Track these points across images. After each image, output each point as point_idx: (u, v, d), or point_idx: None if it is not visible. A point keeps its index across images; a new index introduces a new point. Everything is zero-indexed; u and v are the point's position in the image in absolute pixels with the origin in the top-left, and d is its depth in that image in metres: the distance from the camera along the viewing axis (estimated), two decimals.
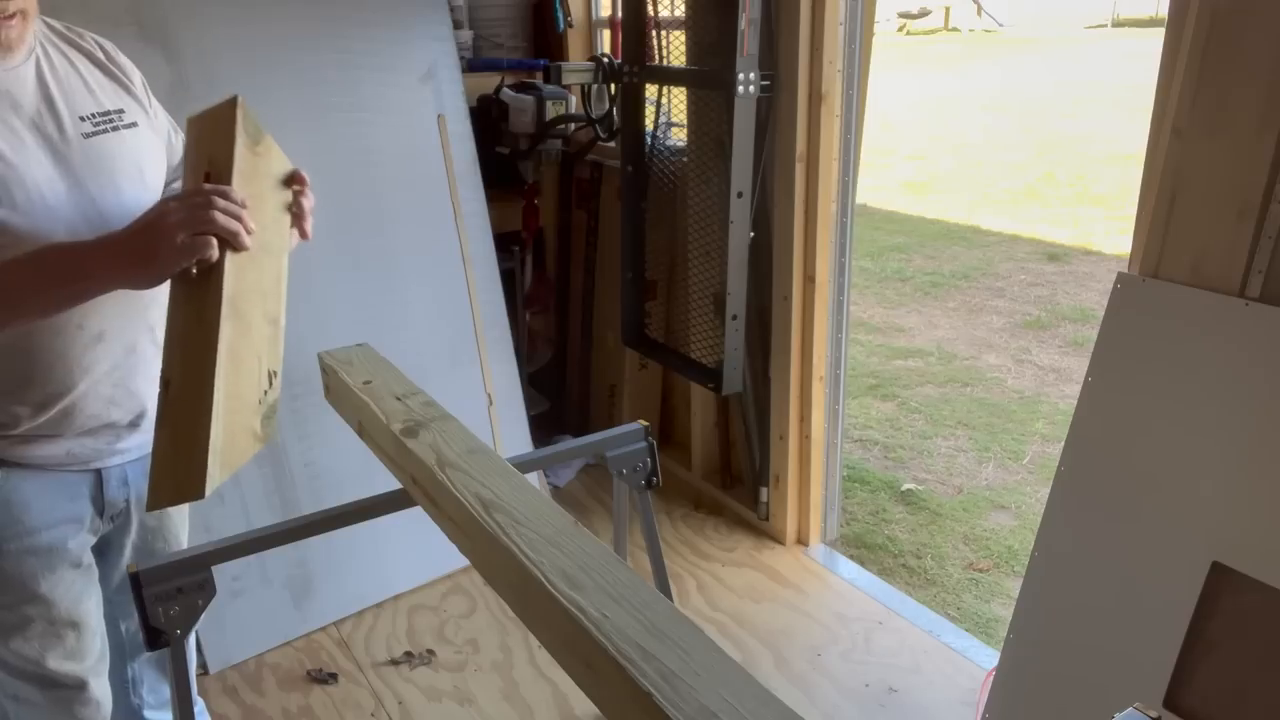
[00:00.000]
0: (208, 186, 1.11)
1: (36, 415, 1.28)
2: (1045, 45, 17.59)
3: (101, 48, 1.40)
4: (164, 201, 1.14)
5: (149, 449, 1.39)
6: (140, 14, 2.17)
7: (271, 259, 1.23)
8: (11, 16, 1.17)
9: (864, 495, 3.28)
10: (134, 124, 1.37)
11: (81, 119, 1.29)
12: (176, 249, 1.05)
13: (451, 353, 2.69)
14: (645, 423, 1.81)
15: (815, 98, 2.37)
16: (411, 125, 2.61)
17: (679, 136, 2.76)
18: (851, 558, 2.82)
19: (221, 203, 1.09)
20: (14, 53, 1.20)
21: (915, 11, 22.35)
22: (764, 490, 2.81)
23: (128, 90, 1.40)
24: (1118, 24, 20.93)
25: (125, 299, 1.36)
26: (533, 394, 3.36)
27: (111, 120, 1.33)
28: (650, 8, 2.62)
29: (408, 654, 2.38)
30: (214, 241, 1.07)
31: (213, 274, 1.08)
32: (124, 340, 1.35)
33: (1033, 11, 21.97)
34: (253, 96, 2.33)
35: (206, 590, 1.41)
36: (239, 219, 1.10)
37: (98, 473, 1.38)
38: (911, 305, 5.44)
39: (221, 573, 1.46)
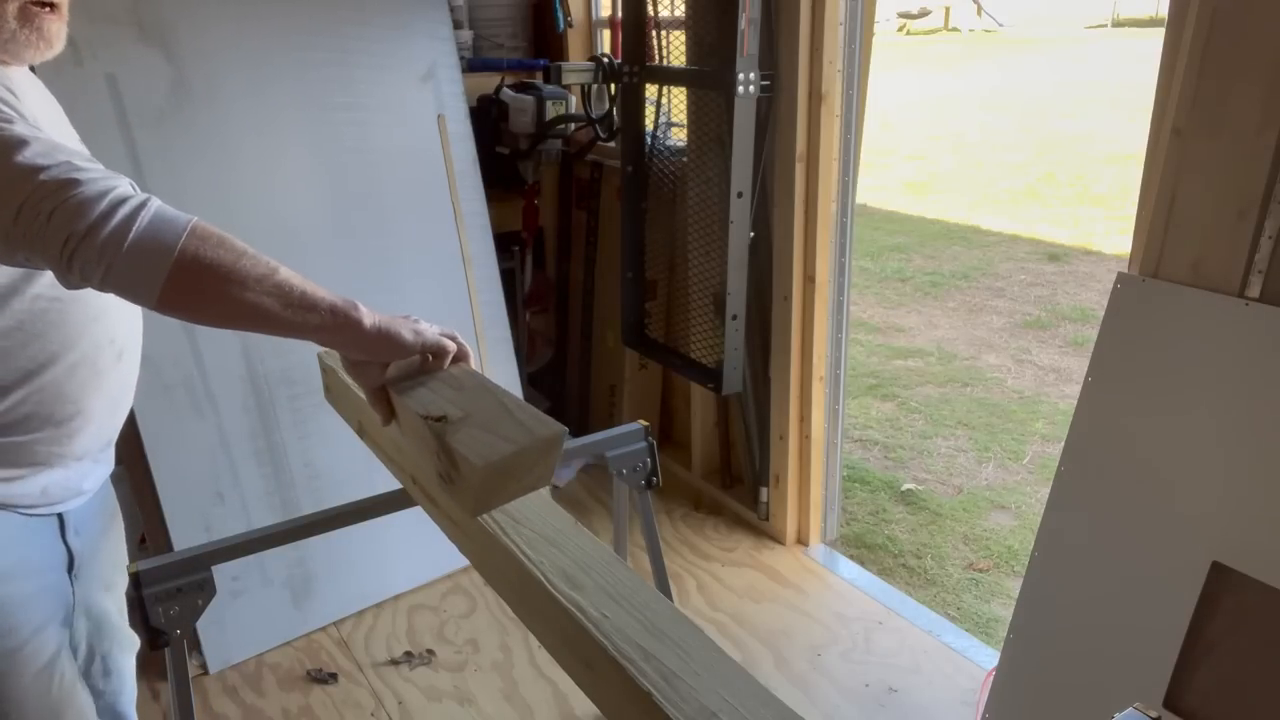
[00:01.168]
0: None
1: (54, 435, 1.22)
2: (1045, 45, 17.58)
3: None
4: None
5: (98, 488, 1.33)
6: (140, 14, 2.18)
7: None
8: (47, 6, 1.11)
9: (864, 495, 3.28)
10: None
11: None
12: (429, 337, 1.06)
13: None
14: (645, 423, 1.81)
15: (815, 98, 2.37)
16: (411, 125, 2.61)
17: (679, 136, 2.76)
18: (851, 558, 2.82)
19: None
20: (53, 49, 1.14)
21: (915, 11, 22.36)
22: (764, 490, 2.81)
23: None
24: (1118, 24, 20.93)
25: (137, 319, 1.33)
26: (533, 394, 3.36)
27: None
28: (650, 8, 2.62)
29: (408, 654, 2.38)
30: (455, 347, 1.09)
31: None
32: (132, 364, 1.33)
33: (1033, 11, 21.97)
34: (252, 96, 2.35)
35: (206, 590, 1.41)
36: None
37: (59, 517, 1.29)
38: (911, 305, 5.44)
39: (221, 573, 1.46)
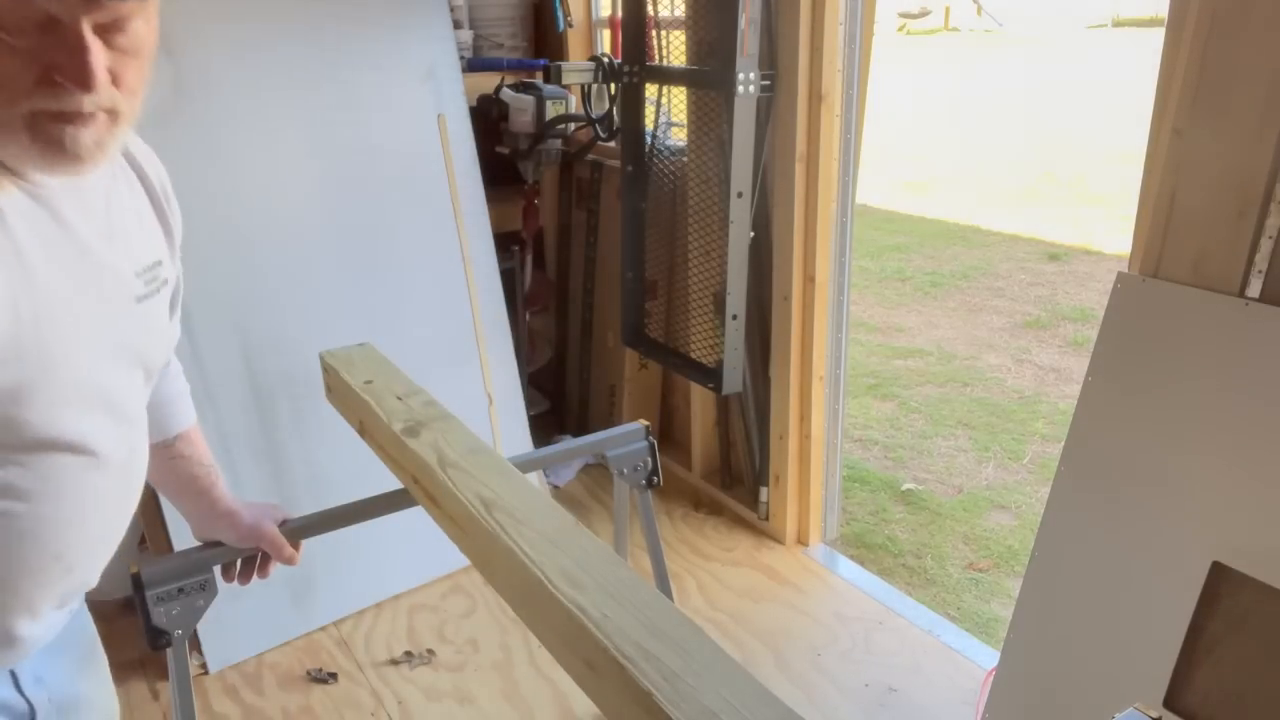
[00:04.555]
0: None
1: None
2: (1045, 45, 17.59)
3: (161, 181, 1.11)
4: None
5: (60, 627, 1.05)
6: None
7: None
8: (89, 116, 0.81)
9: (864, 495, 3.28)
10: (166, 281, 1.06)
11: (136, 275, 0.98)
12: None
13: (451, 353, 2.68)
14: (646, 422, 1.82)
15: (815, 98, 2.37)
16: (411, 125, 2.61)
17: (679, 136, 2.76)
18: (851, 557, 2.82)
19: None
20: (83, 164, 0.83)
21: (915, 11, 22.36)
22: (764, 490, 2.81)
23: (169, 237, 1.10)
24: (1118, 24, 20.92)
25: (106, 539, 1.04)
26: (533, 394, 3.37)
27: (156, 277, 1.02)
28: (650, 8, 2.62)
29: (408, 654, 2.38)
30: None
31: None
32: (86, 571, 1.02)
33: (1033, 11, 21.97)
34: (252, 96, 2.35)
35: (208, 590, 1.41)
36: None
37: (10, 672, 1.00)
38: (911, 305, 5.44)
39: None
